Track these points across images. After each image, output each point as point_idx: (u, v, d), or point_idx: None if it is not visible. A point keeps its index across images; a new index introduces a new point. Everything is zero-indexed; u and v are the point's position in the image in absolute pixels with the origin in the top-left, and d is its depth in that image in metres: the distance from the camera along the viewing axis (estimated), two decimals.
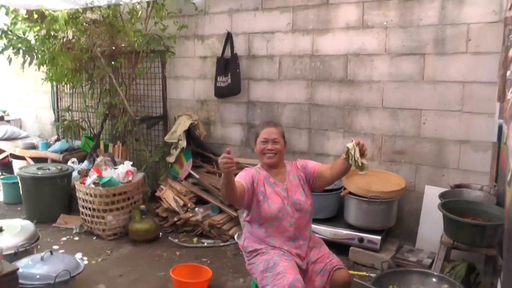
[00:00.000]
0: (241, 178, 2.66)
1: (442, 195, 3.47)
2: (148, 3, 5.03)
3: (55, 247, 4.21)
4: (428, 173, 4.05)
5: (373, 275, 3.49)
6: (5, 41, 5.34)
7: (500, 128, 3.49)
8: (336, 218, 4.15)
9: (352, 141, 2.53)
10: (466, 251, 3.15)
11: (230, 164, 2.31)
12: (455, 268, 3.25)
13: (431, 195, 3.84)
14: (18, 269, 2.64)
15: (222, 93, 4.94)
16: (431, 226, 3.83)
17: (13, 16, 5.26)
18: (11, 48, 5.31)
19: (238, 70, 4.79)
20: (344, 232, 3.96)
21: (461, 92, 3.82)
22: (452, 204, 3.20)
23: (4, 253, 2.93)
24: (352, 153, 2.49)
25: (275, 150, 2.75)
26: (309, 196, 2.81)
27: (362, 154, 2.52)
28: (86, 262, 3.81)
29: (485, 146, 3.75)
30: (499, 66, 3.47)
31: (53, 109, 6.83)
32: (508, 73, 2.89)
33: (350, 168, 2.60)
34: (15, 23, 5.31)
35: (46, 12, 4.94)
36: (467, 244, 3.01)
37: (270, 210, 2.66)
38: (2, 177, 5.96)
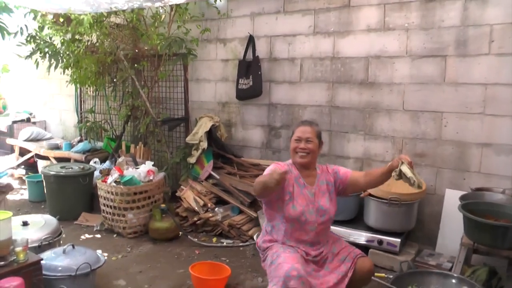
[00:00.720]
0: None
1: (462, 198, 3.44)
2: (171, 7, 5.13)
3: (77, 243, 4.24)
4: (449, 176, 4.01)
5: (391, 277, 3.46)
6: (33, 45, 5.50)
7: None
8: (356, 220, 4.13)
9: (402, 162, 2.54)
10: (487, 255, 3.10)
11: (282, 177, 2.40)
12: (476, 272, 3.20)
13: (452, 199, 3.80)
14: (42, 259, 2.71)
15: (243, 96, 4.98)
16: (452, 230, 3.78)
17: (41, 20, 5.42)
18: (39, 52, 5.47)
19: (259, 73, 4.83)
20: (363, 234, 3.94)
21: (483, 94, 3.79)
22: (472, 205, 3.18)
23: (29, 245, 3.01)
24: (408, 175, 2.50)
25: (307, 150, 2.72)
26: (334, 203, 2.81)
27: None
28: (106, 258, 3.86)
29: (508, 149, 3.71)
30: None
31: (76, 111, 6.99)
32: None
33: (388, 179, 2.67)
34: (42, 28, 5.48)
35: (72, 16, 5.08)
36: (488, 245, 2.97)
37: (294, 212, 2.65)
38: (27, 176, 6.10)
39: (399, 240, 3.79)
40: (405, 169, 2.50)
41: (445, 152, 4.01)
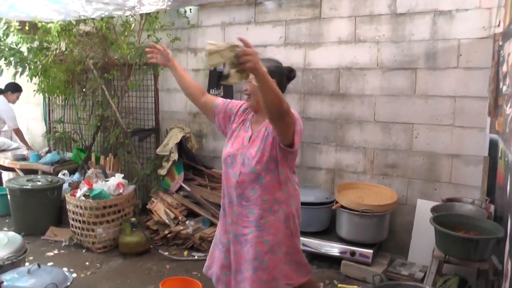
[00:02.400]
0: (221, 99, 2.62)
1: (433, 209, 3.48)
2: (141, 15, 5.06)
3: (44, 260, 4.14)
4: (420, 187, 4.06)
5: None
6: None
7: (491, 142, 3.51)
8: (328, 231, 4.13)
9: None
10: (458, 265, 3.14)
11: (152, 53, 2.41)
12: (447, 282, 3.24)
13: (423, 209, 3.84)
14: (2, 282, 2.59)
15: None
16: (424, 239, 3.82)
17: (5, 27, 5.27)
18: (3, 59, 5.30)
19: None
20: (336, 245, 3.94)
21: (452, 107, 3.85)
22: (443, 218, 3.21)
23: None
24: (214, 49, 1.87)
25: (247, 91, 2.39)
26: (264, 156, 2.33)
27: (241, 64, 1.89)
28: (74, 275, 3.75)
29: (477, 160, 3.77)
30: (489, 81, 3.52)
31: (45, 120, 6.79)
32: (504, 87, 2.92)
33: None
34: (7, 35, 5.31)
35: (39, 24, 4.95)
36: (460, 258, 3.01)
37: (224, 151, 2.49)
38: None
39: (371, 251, 3.80)
40: (211, 46, 1.90)
41: (416, 163, 4.06)
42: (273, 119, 2.14)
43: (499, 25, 3.53)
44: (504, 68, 2.89)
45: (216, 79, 4.86)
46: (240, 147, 2.42)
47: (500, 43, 3.30)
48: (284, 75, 2.49)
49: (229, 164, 2.44)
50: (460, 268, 3.28)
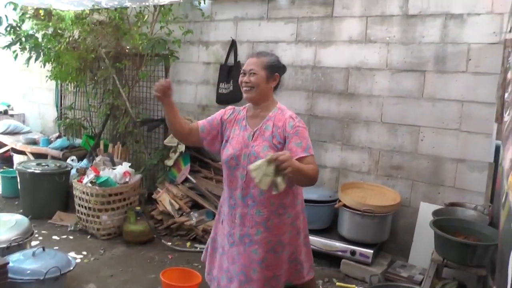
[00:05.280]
0: (205, 120, 2.55)
1: (435, 213, 3.49)
2: (155, 7, 5.08)
3: (49, 243, 4.22)
4: (424, 190, 4.06)
5: None
6: (12, 36, 5.41)
7: (497, 149, 3.50)
8: (330, 229, 4.16)
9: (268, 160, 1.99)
10: (457, 269, 3.15)
11: (159, 90, 2.31)
12: (445, 286, 3.26)
13: (426, 212, 3.84)
14: (8, 263, 2.67)
15: (223, 100, 4.97)
16: (425, 242, 3.83)
17: (21, 13, 5.34)
18: (18, 43, 5.38)
19: None
20: (336, 244, 3.96)
21: (460, 111, 3.84)
22: (444, 222, 3.22)
23: None
24: (260, 171, 1.99)
25: (250, 83, 2.36)
26: None
27: (282, 170, 1.98)
28: (78, 260, 3.83)
29: (482, 166, 3.76)
30: (498, 87, 3.50)
31: (56, 106, 6.88)
32: (506, 94, 2.92)
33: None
34: (23, 20, 5.39)
35: (53, 11, 5.01)
36: (457, 262, 3.03)
37: (225, 154, 2.40)
38: (1, 170, 5.99)
39: (371, 251, 3.82)
40: (254, 166, 2.02)
41: (420, 166, 4.06)
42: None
43: (510, 31, 3.51)
44: (509, 75, 2.88)
45: (226, 73, 4.90)
46: (242, 147, 2.37)
47: (510, 50, 3.28)
48: (282, 69, 2.52)
49: (234, 166, 2.38)
50: (460, 273, 3.29)
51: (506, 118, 2.62)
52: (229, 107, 2.55)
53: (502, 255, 1.77)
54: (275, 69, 2.42)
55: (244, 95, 2.42)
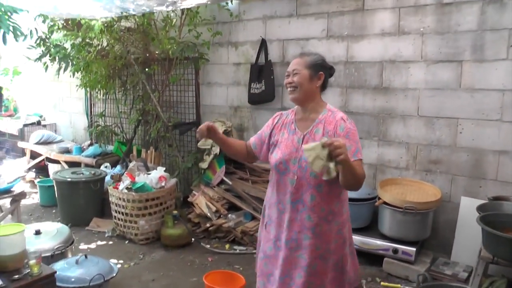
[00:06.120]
0: (255, 136, 2.51)
1: (480, 208, 3.37)
2: (182, 10, 5.09)
3: (88, 250, 4.27)
4: (465, 184, 3.94)
5: (407, 287, 3.41)
6: (42, 48, 5.50)
7: None
8: (370, 228, 4.09)
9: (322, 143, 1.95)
10: (506, 266, 3.04)
11: (203, 134, 2.33)
12: (494, 284, 3.16)
13: (468, 207, 3.75)
14: (55, 272, 2.69)
15: (255, 100, 4.94)
16: (467, 238, 3.73)
17: (51, 24, 5.42)
18: (48, 55, 5.46)
19: (272, 77, 4.79)
20: (378, 242, 3.89)
21: (501, 101, 3.71)
22: (491, 217, 3.10)
23: (42, 255, 2.99)
24: (314, 155, 1.96)
25: (293, 83, 2.29)
26: None
27: (335, 157, 1.94)
28: (119, 266, 3.85)
29: None
30: None
31: (87, 114, 6.98)
32: None
33: (344, 170, 2.04)
34: (52, 32, 5.47)
35: (82, 21, 5.06)
36: (508, 259, 2.91)
37: (273, 159, 2.33)
38: (38, 180, 6.10)
39: (414, 249, 3.74)
40: (308, 146, 1.99)
41: (460, 159, 3.95)
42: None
43: None
44: None
45: (257, 73, 4.87)
46: (292, 151, 2.30)
47: None
48: (328, 70, 2.44)
49: (283, 171, 2.31)
50: (508, 270, 3.18)
51: None
52: (277, 113, 2.49)
53: None
54: (319, 68, 2.34)
55: (290, 97, 2.36)
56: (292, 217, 2.32)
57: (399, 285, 3.57)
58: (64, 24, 5.45)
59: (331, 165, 1.95)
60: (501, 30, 3.65)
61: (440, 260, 3.90)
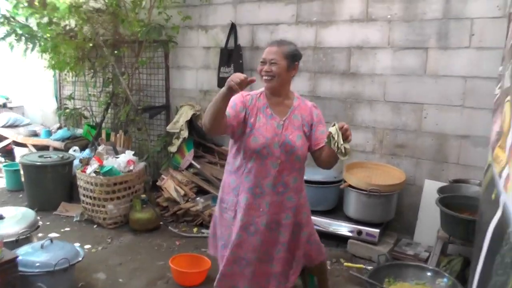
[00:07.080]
0: (230, 108, 2.33)
1: (440, 190, 3.50)
2: None
3: (56, 234, 4.23)
4: (428, 167, 4.05)
5: (370, 267, 3.51)
6: (7, 27, 5.34)
7: None
8: (336, 210, 4.17)
9: (334, 124, 2.18)
10: (463, 245, 3.17)
11: (239, 83, 2.09)
12: (451, 263, 3.29)
13: (431, 189, 3.86)
14: (17, 256, 2.67)
15: (224, 84, 4.91)
16: (430, 220, 3.84)
17: (15, 3, 5.25)
18: (13, 34, 5.31)
19: (241, 61, 4.78)
20: (343, 224, 3.98)
21: (463, 87, 3.81)
22: (449, 199, 3.23)
23: (5, 240, 2.97)
24: (335, 138, 2.16)
25: (272, 73, 2.36)
26: (305, 144, 2.45)
27: (346, 139, 2.15)
28: (86, 250, 3.84)
29: (486, 141, 3.70)
30: (502, 62, 3.46)
31: (56, 97, 6.85)
32: (500, 68, 2.88)
33: (334, 153, 2.20)
34: (17, 10, 5.30)
35: (48, 0, 4.93)
36: (463, 239, 3.04)
37: (255, 144, 2.36)
38: (4, 164, 5.99)
39: (378, 230, 3.84)
40: (333, 130, 2.17)
41: (424, 144, 4.05)
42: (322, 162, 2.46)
43: None
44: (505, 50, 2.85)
45: (227, 57, 4.85)
46: (273, 136, 2.38)
47: None
48: (300, 58, 2.55)
49: (265, 155, 2.37)
50: (465, 249, 3.30)
51: (497, 91, 2.59)
52: (244, 93, 2.45)
53: (480, 225, 1.76)
54: (296, 58, 2.46)
55: (266, 85, 2.43)
56: (273, 199, 2.42)
57: (361, 265, 3.67)
58: (30, 2, 5.29)
59: (347, 146, 2.17)
60: (464, 19, 3.73)
61: (404, 241, 4.02)
